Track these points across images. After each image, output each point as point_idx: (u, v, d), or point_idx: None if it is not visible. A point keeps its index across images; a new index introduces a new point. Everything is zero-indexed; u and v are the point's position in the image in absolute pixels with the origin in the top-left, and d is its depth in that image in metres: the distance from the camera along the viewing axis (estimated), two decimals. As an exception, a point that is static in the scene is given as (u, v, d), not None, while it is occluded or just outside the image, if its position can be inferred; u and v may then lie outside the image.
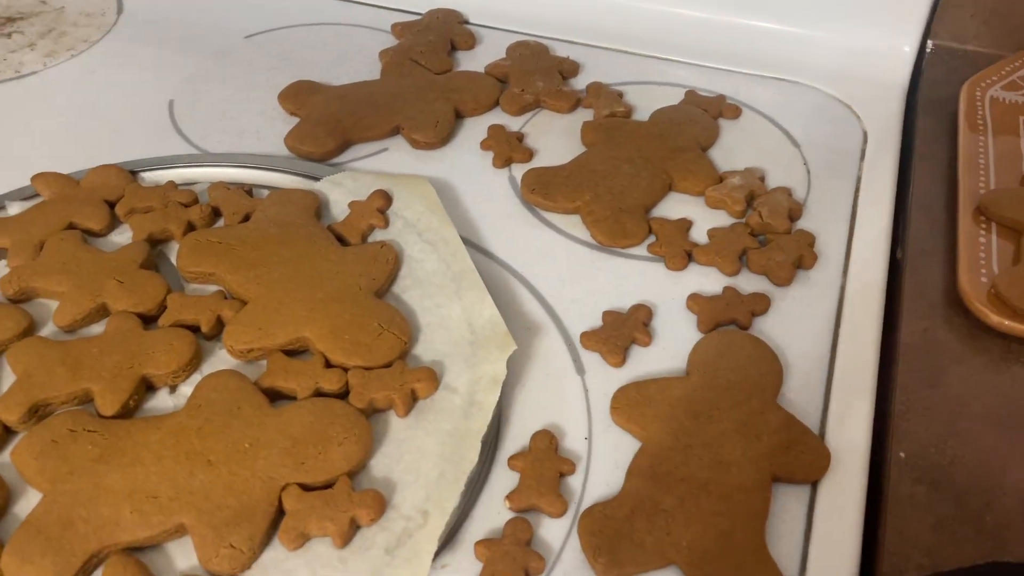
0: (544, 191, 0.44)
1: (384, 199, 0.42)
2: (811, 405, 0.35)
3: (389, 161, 0.47)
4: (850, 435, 0.33)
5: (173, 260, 0.40)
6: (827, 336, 0.37)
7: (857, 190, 0.45)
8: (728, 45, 0.55)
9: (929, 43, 0.54)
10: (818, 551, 0.30)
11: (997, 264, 0.39)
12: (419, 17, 0.57)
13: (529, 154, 0.47)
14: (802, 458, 0.32)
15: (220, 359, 0.36)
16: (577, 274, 0.40)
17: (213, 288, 0.39)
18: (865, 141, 0.48)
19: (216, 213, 0.42)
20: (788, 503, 0.31)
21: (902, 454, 0.33)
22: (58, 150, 0.47)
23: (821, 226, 0.42)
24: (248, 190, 0.44)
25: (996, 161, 0.44)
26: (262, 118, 0.50)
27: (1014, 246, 0.39)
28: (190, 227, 0.41)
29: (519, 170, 0.46)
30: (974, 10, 0.53)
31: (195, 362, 0.35)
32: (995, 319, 0.36)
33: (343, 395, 0.34)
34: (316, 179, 0.44)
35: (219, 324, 0.37)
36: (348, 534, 0.30)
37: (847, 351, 0.37)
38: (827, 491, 0.32)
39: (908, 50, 0.52)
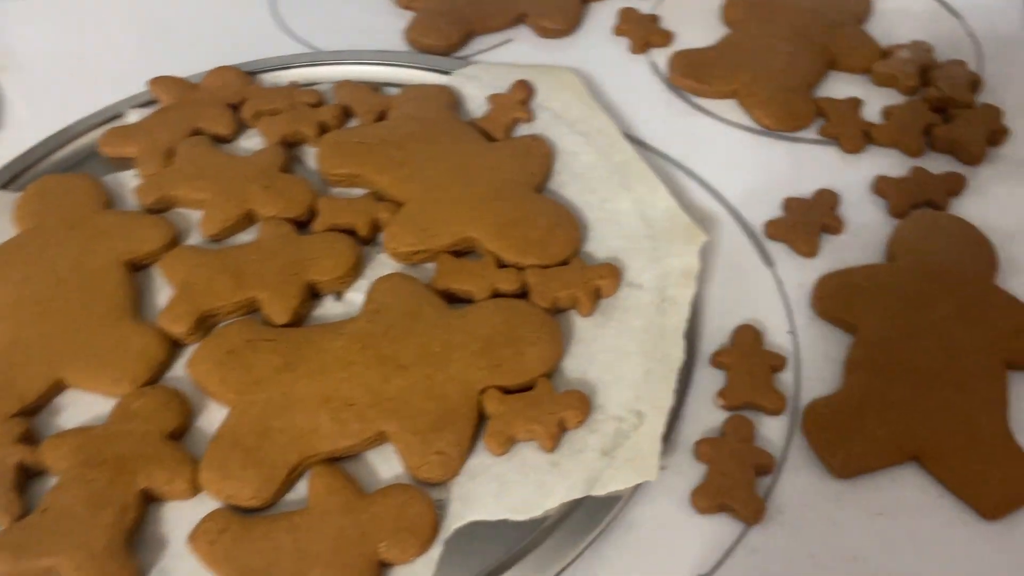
0: (696, 74, 0.40)
1: (526, 90, 0.39)
2: (1030, 287, 0.32)
3: (516, 52, 0.44)
4: (1080, 318, 0.31)
5: (309, 164, 0.38)
6: (1032, 215, 0.34)
7: (1034, 59, 0.41)
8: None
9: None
10: (1067, 439, 0.28)
11: None
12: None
13: (668, 37, 0.43)
14: (1036, 342, 0.29)
15: (382, 263, 0.34)
16: (745, 161, 0.37)
17: (359, 191, 0.36)
18: (1033, 8, 0.44)
19: (347, 113, 0.40)
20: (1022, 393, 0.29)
21: None
22: (168, 55, 0.44)
23: (1005, 99, 0.39)
24: (375, 87, 0.41)
25: None
26: (373, 12, 0.46)
27: None
28: (322, 129, 0.39)
29: (659, 55, 0.43)
30: None
31: (359, 267, 0.33)
32: None
33: (521, 295, 0.32)
34: (445, 73, 0.41)
35: (375, 227, 0.34)
36: (557, 436, 0.28)
37: (1059, 229, 0.34)
38: (1066, 376, 0.29)
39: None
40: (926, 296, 0.31)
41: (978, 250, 0.32)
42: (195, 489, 0.27)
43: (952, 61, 0.40)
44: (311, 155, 0.38)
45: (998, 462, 0.27)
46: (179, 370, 0.31)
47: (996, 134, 0.37)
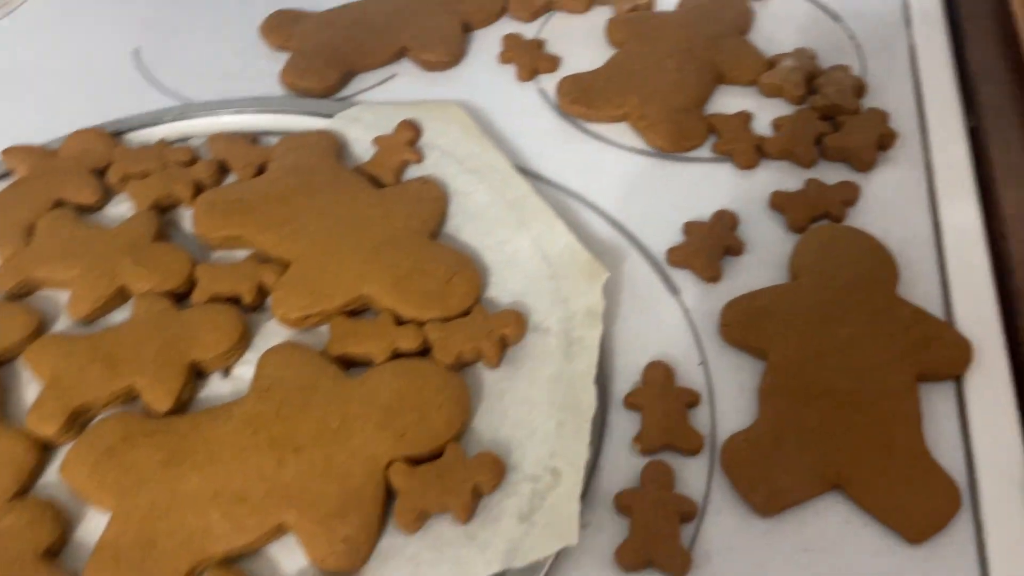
0: (586, 99, 0.39)
1: (413, 130, 0.38)
2: (931, 294, 0.32)
3: (400, 88, 0.42)
4: (981, 320, 0.31)
5: (185, 228, 0.35)
6: (926, 217, 0.35)
7: (913, 59, 0.42)
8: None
9: None
10: (982, 447, 0.27)
11: (1087, 119, 0.36)
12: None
13: (555, 62, 0.42)
14: (943, 352, 0.29)
15: (271, 332, 0.32)
16: (642, 186, 0.37)
17: (242, 254, 0.34)
18: (907, 6, 0.45)
19: (223, 169, 0.37)
20: (935, 403, 0.29)
21: (1040, 333, 0.30)
22: (19, 120, 0.41)
23: (888, 102, 0.39)
24: (252, 138, 0.38)
25: (1058, 10, 0.41)
26: (245, 56, 0.44)
27: (1100, 97, 0.37)
28: (198, 188, 0.36)
29: (548, 81, 0.41)
30: None
31: (246, 338, 0.31)
32: (1101, 177, 0.34)
33: (424, 352, 0.30)
34: (327, 116, 0.39)
35: (261, 292, 0.32)
36: (471, 505, 0.26)
37: (952, 231, 0.34)
38: (974, 383, 0.29)
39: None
40: (832, 314, 0.30)
41: (878, 261, 0.32)
42: (76, 615, 0.25)
43: (836, 67, 0.40)
44: (187, 218, 0.36)
45: (917, 483, 0.26)
46: (52, 475, 0.28)
47: (885, 138, 0.37)
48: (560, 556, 0.26)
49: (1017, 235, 0.34)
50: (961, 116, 0.39)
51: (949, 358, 0.29)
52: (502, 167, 0.36)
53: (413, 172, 0.37)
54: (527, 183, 0.35)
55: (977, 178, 0.36)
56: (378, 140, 0.37)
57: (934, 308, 0.31)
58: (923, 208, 0.35)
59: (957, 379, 0.29)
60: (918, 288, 0.32)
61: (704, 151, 0.38)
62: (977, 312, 0.31)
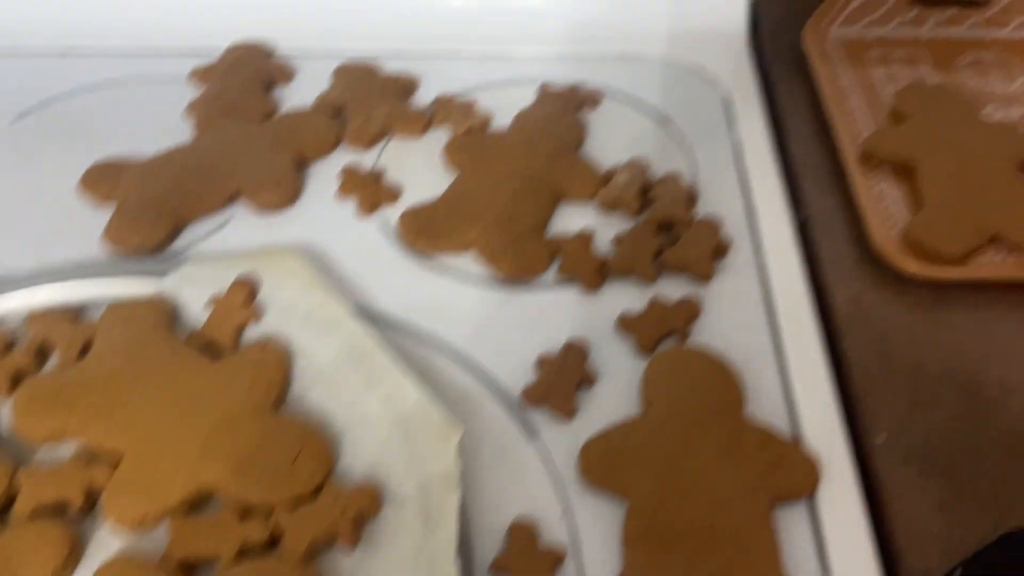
0: (429, 232, 0.39)
1: (249, 288, 0.36)
2: (777, 408, 0.33)
3: (236, 235, 0.40)
4: (825, 434, 0.32)
5: (2, 423, 0.32)
6: (765, 326, 0.36)
7: (739, 157, 0.43)
8: (568, 25, 0.52)
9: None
10: (839, 567, 0.28)
11: (899, 209, 0.38)
12: (219, 59, 0.50)
13: (396, 193, 0.42)
14: (793, 474, 0.30)
15: (105, 541, 0.29)
16: (491, 321, 0.36)
17: (70, 448, 0.31)
18: (728, 104, 0.47)
19: (44, 352, 0.35)
20: (791, 524, 0.29)
21: (879, 440, 0.31)
22: None
23: (720, 205, 0.40)
24: (75, 313, 0.36)
25: (862, 101, 0.44)
26: (63, 215, 0.41)
27: (909, 185, 0.39)
28: (16, 378, 0.33)
29: (391, 213, 0.41)
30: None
31: (76, 554, 0.28)
32: (918, 268, 0.36)
33: (275, 542, 0.28)
34: (159, 276, 0.37)
35: (92, 495, 0.30)
36: None
37: (791, 338, 0.35)
38: (826, 501, 0.30)
39: None
40: (685, 445, 0.30)
41: (724, 384, 0.32)
42: None
43: (668, 176, 0.41)
44: (5, 412, 0.33)
45: (782, 620, 0.26)
46: None
47: (720, 247, 0.38)
48: None
49: (852, 332, 0.35)
50: (789, 213, 0.40)
51: (799, 480, 0.30)
52: (346, 320, 0.35)
53: (254, 331, 0.35)
54: (373, 335, 0.34)
55: (809, 276, 0.38)
56: (212, 302, 0.36)
57: (781, 422, 0.32)
58: (761, 316, 0.36)
59: (810, 496, 0.30)
60: (765, 403, 0.33)
61: (550, 275, 0.38)
62: (822, 423, 0.32)
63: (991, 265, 0.36)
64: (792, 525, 0.29)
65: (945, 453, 0.31)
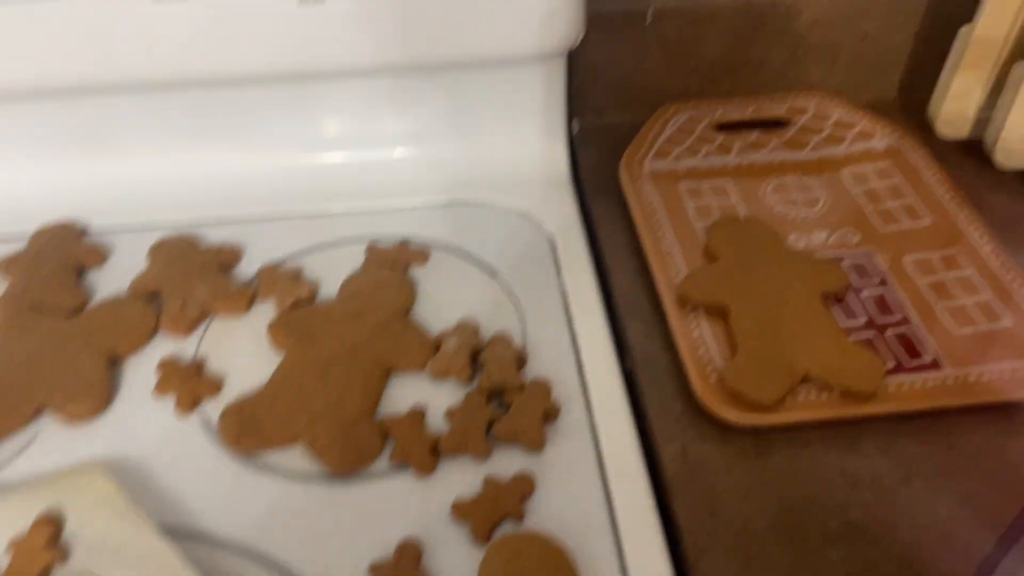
0: (252, 430, 0.37)
1: (52, 525, 0.33)
2: (614, 587, 0.32)
3: (45, 452, 0.38)
4: (661, 609, 0.32)
5: None
6: (599, 494, 0.35)
7: (566, 305, 0.44)
8: (393, 179, 0.52)
9: (575, 123, 0.55)
10: None
11: (717, 353, 0.39)
12: (26, 246, 0.47)
13: (218, 384, 0.40)
14: (631, 668, 0.29)
15: None
16: (322, 523, 0.35)
17: None
18: (555, 248, 0.47)
19: None
20: None
21: (715, 608, 0.31)
22: None
23: (549, 365, 0.41)
24: None
25: (677, 240, 0.45)
26: None
27: (724, 327, 0.40)
28: None
29: (212, 408, 0.39)
30: (605, 85, 0.54)
31: None
32: (737, 417, 0.37)
33: None
34: (-51, 521, 0.34)
35: None
36: None
37: (624, 507, 0.35)
38: None
39: (560, 146, 0.53)
40: (522, 651, 0.30)
41: (559, 568, 0.32)
42: None
43: (498, 336, 0.41)
44: None
45: None
46: None
47: (550, 411, 0.38)
48: None
49: (680, 491, 0.35)
50: (616, 363, 0.41)
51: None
52: (160, 553, 0.33)
53: (60, 571, 0.32)
54: (189, 569, 0.32)
55: (638, 431, 0.38)
56: (12, 546, 0.33)
57: (619, 603, 0.32)
58: (595, 483, 0.36)
59: None
60: (601, 583, 0.32)
61: (383, 462, 0.37)
62: (657, 600, 0.32)
63: (805, 406, 0.37)
64: None
65: (777, 615, 0.31)
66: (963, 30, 0.48)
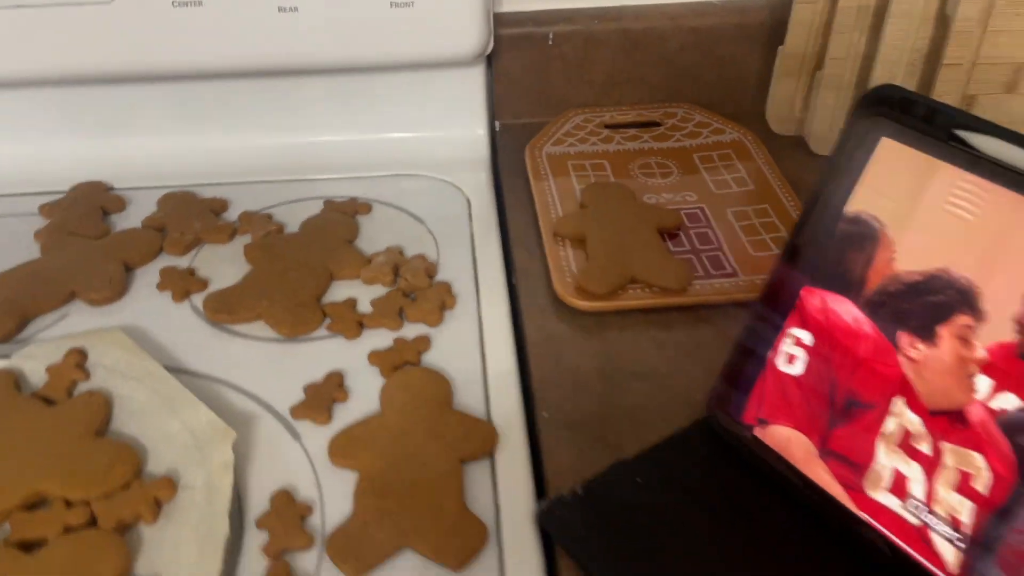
0: (226, 308, 0.51)
1: (79, 355, 0.47)
2: (477, 402, 0.45)
3: (72, 324, 0.51)
4: (508, 415, 0.45)
5: None
6: (476, 352, 0.49)
7: (473, 242, 0.58)
8: (351, 157, 0.67)
9: (497, 123, 0.70)
10: (505, 499, 0.40)
11: (575, 267, 0.53)
12: (64, 195, 0.62)
13: (204, 284, 0.54)
14: (477, 440, 0.42)
15: (-44, 538, 0.38)
16: (274, 367, 0.48)
17: (-73, 481, 0.40)
18: (470, 206, 0.62)
19: (-93, 415, 0.44)
20: (478, 476, 0.41)
21: (545, 414, 0.44)
22: None
23: (454, 275, 0.54)
24: (-65, 386, 0.45)
25: (559, 197, 0.60)
26: (-73, 319, 0.51)
27: (582, 252, 0.54)
28: None
29: (198, 299, 0.53)
30: (520, 93, 0.70)
31: (-69, 548, 0.37)
32: (582, 304, 0.50)
33: (93, 523, 0.38)
34: (6, 357, 0.47)
35: (-55, 508, 0.39)
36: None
37: (493, 358, 0.48)
38: (502, 458, 0.42)
39: (482, 133, 0.68)
40: (404, 430, 0.42)
41: (438, 386, 0.45)
42: None
43: (415, 256, 0.55)
44: None
45: (462, 529, 0.38)
46: None
47: (447, 302, 0.52)
48: (206, 648, 0.34)
49: (536, 350, 0.48)
50: (503, 278, 0.55)
51: (481, 442, 0.42)
52: (156, 371, 0.46)
53: (84, 387, 0.45)
54: (176, 380, 0.45)
55: (512, 319, 0.52)
56: (50, 369, 0.46)
57: (479, 412, 0.45)
58: (475, 347, 0.49)
59: (492, 457, 0.42)
60: (469, 399, 0.45)
61: (322, 332, 0.50)
62: (506, 407, 0.45)
63: (632, 297, 0.51)
64: (479, 476, 0.41)
65: (588, 421, 0.44)
66: (780, 48, 0.64)
